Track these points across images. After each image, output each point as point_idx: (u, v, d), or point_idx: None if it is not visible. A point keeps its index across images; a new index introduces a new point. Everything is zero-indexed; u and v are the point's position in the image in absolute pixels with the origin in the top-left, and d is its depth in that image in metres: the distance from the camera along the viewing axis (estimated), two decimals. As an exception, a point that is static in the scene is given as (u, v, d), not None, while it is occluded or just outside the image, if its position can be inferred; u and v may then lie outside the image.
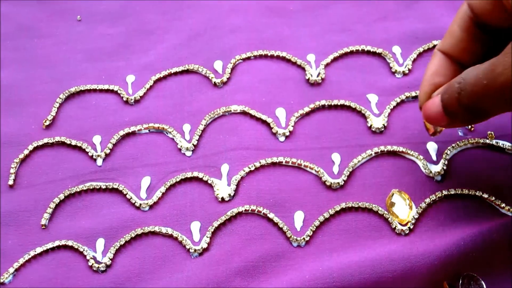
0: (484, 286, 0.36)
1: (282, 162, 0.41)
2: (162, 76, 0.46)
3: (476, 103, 0.32)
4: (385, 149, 0.41)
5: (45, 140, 0.43)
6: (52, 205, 0.40)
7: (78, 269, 0.38)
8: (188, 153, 0.42)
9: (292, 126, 0.43)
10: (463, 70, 0.35)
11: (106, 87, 0.45)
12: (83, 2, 0.51)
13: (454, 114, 0.34)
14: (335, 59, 0.46)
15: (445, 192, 0.39)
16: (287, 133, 0.43)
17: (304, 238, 0.38)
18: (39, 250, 0.38)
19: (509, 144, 0.41)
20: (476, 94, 0.32)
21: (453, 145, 0.41)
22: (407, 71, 0.45)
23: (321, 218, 0.39)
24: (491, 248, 0.37)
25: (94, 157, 0.42)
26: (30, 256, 0.38)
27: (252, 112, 0.43)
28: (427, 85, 0.37)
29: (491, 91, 0.31)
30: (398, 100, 0.44)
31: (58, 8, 0.50)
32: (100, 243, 0.39)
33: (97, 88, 0.45)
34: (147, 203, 0.40)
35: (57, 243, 0.39)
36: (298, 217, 0.39)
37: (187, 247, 0.38)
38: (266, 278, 0.37)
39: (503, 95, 0.30)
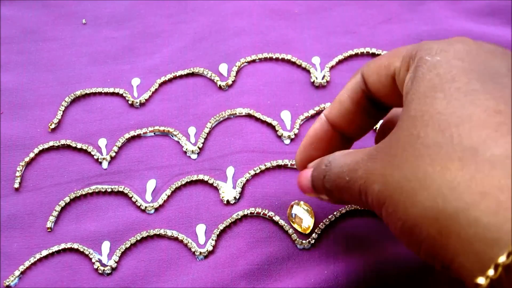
0: None
1: (287, 164, 0.41)
2: (167, 79, 0.46)
3: (336, 193, 0.30)
4: (390, 152, 0.41)
5: (51, 143, 0.43)
6: (58, 208, 0.40)
7: (83, 272, 0.38)
8: (194, 156, 0.42)
9: (297, 128, 0.43)
10: (345, 141, 0.34)
11: (111, 90, 0.46)
12: (88, 5, 0.51)
13: (319, 193, 0.33)
14: (340, 62, 0.47)
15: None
16: (292, 136, 0.43)
17: (309, 241, 0.38)
18: (44, 253, 0.39)
19: None
20: (337, 186, 0.30)
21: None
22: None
23: (326, 221, 0.39)
24: None
25: (99, 160, 0.42)
26: (35, 259, 0.38)
27: (257, 115, 0.43)
28: (304, 153, 0.35)
29: (351, 189, 0.29)
30: (403, 103, 0.44)
31: (63, 12, 0.50)
32: (106, 246, 0.39)
33: (102, 91, 0.46)
34: (153, 206, 0.40)
35: (62, 246, 0.39)
36: (304, 220, 0.39)
37: (193, 249, 0.38)
38: (271, 281, 0.37)
39: (360, 198, 0.28)
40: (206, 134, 0.43)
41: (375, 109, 0.33)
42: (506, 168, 0.22)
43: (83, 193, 0.41)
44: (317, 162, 0.33)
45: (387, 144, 0.27)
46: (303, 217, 0.38)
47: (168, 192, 0.41)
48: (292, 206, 0.39)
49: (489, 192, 0.22)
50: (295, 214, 0.39)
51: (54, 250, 0.39)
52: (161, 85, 0.46)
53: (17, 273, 0.38)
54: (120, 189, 0.41)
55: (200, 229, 0.39)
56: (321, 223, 0.39)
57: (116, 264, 0.38)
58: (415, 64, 0.28)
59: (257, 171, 0.41)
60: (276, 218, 0.39)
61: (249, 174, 0.41)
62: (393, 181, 0.26)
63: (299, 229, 0.38)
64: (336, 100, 0.34)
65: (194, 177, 0.41)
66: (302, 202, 0.39)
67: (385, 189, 0.26)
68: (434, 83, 0.26)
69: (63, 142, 0.43)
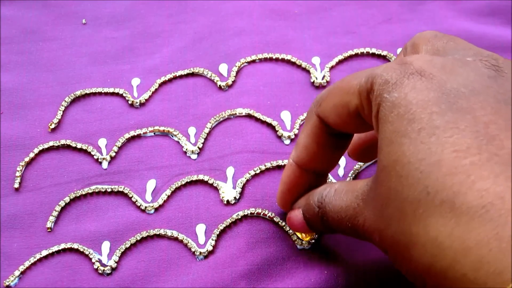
0: None
1: (287, 165, 0.41)
2: (167, 79, 0.46)
3: (340, 233, 0.32)
4: (390, 152, 0.41)
5: (51, 143, 0.43)
6: (58, 208, 0.40)
7: (83, 272, 0.38)
8: (194, 156, 0.42)
9: (297, 129, 0.43)
10: (320, 176, 0.35)
11: (111, 90, 0.46)
12: (88, 5, 0.51)
13: (319, 230, 0.34)
14: (340, 62, 0.47)
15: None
16: (292, 136, 0.43)
17: (309, 241, 0.38)
18: (44, 253, 0.39)
19: None
20: (340, 229, 0.31)
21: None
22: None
23: (327, 221, 0.39)
24: None
25: (99, 160, 0.42)
26: (35, 259, 0.38)
27: (257, 115, 0.43)
28: (284, 199, 0.36)
29: (356, 233, 0.29)
30: (403, 103, 0.44)
31: (63, 12, 0.50)
32: (106, 246, 0.39)
33: (102, 91, 0.46)
34: (153, 206, 0.40)
35: (62, 246, 0.39)
36: (304, 220, 0.39)
37: (193, 249, 0.38)
38: (271, 281, 0.37)
39: (366, 239, 0.29)
40: (206, 134, 0.43)
41: (341, 139, 0.33)
42: (483, 220, 0.22)
43: (83, 193, 0.41)
44: (305, 202, 0.34)
45: (372, 194, 0.27)
46: None
47: (168, 192, 0.41)
48: None
49: (470, 247, 0.22)
50: None
51: (54, 250, 0.39)
52: (161, 85, 0.46)
53: (17, 273, 0.38)
54: (120, 189, 0.41)
55: (200, 229, 0.39)
56: (321, 223, 0.39)
57: (116, 264, 0.38)
58: (375, 101, 0.27)
59: (257, 172, 0.41)
60: (276, 218, 0.39)
61: (249, 174, 0.41)
62: (387, 235, 0.26)
63: (299, 235, 0.38)
64: (300, 145, 0.34)
65: (194, 177, 0.41)
66: None
67: (382, 241, 0.27)
68: (397, 127, 0.25)
69: (63, 142, 0.43)
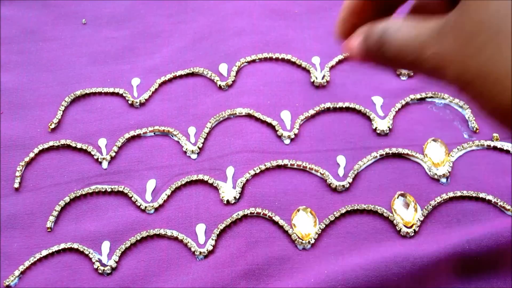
0: None
1: (287, 164, 0.41)
2: (167, 79, 0.46)
3: (397, 66, 0.29)
4: (390, 152, 0.41)
5: (51, 143, 0.43)
6: (58, 208, 0.40)
7: (83, 272, 0.38)
8: (193, 156, 0.42)
9: (297, 128, 0.43)
10: (387, 9, 0.32)
11: (111, 90, 0.46)
12: (88, 5, 0.51)
13: (370, 62, 0.30)
14: (340, 62, 0.46)
15: (450, 194, 0.39)
16: (292, 136, 0.43)
17: (309, 241, 0.38)
18: (44, 252, 0.39)
19: (515, 146, 0.41)
20: (398, 62, 0.28)
21: (458, 147, 0.41)
22: (412, 73, 0.45)
23: (326, 221, 0.39)
24: (496, 251, 0.37)
25: (99, 160, 0.42)
26: (35, 259, 0.38)
27: (257, 114, 0.43)
28: (344, 26, 0.32)
29: (417, 68, 0.26)
30: (403, 103, 0.44)
31: (63, 12, 0.50)
32: (106, 245, 0.39)
33: (102, 91, 0.46)
34: (153, 206, 0.40)
35: (62, 245, 0.39)
36: (303, 220, 0.39)
37: (192, 249, 0.38)
38: (271, 281, 0.37)
39: (428, 75, 0.26)
40: (206, 134, 0.43)
41: None
42: None
43: (83, 193, 0.41)
44: (366, 30, 0.30)
45: (455, 25, 0.24)
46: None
47: (168, 192, 0.41)
48: (298, 211, 0.39)
49: None
50: (299, 221, 0.38)
51: (54, 250, 0.39)
52: (161, 85, 0.46)
53: (17, 273, 0.38)
54: (120, 189, 0.41)
55: (200, 229, 0.39)
56: (321, 223, 0.39)
57: (116, 264, 0.38)
58: None
59: (257, 171, 0.41)
60: (276, 218, 0.39)
61: (249, 174, 0.41)
62: (472, 65, 0.23)
63: (298, 235, 0.38)
64: None
65: (194, 177, 0.41)
66: (309, 210, 0.39)
67: (464, 74, 0.24)
68: None
69: (63, 142, 0.43)
